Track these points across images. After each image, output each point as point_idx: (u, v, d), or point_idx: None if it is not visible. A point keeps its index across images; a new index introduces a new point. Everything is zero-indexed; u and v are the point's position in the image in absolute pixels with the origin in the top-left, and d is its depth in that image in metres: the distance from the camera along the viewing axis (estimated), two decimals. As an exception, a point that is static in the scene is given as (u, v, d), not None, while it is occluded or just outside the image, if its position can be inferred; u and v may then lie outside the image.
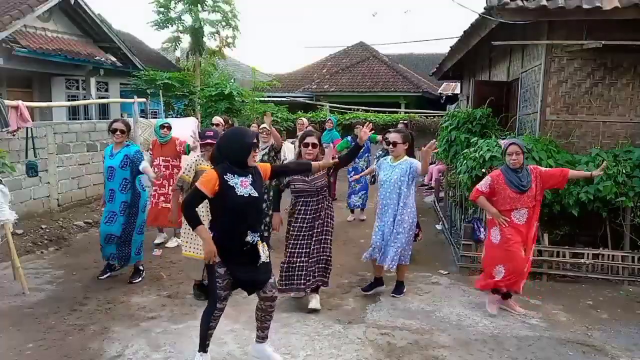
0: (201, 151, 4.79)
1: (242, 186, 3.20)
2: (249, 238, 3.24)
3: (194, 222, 3.15)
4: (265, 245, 3.44)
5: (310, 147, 4.40)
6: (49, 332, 4.05)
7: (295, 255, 4.43)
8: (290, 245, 4.46)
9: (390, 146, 4.68)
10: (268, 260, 3.42)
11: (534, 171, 4.40)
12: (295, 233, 4.46)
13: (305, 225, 4.44)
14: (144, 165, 5.14)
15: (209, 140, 4.55)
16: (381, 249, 4.75)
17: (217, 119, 7.19)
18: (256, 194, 3.26)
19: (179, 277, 5.39)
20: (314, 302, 4.48)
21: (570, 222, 5.64)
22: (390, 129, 6.84)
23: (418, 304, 4.75)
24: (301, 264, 4.42)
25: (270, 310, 3.49)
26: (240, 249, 3.26)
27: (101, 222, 5.26)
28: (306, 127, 8.24)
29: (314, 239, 4.45)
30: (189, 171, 4.62)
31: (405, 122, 13.98)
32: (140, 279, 5.25)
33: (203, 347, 3.42)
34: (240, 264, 3.29)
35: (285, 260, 4.46)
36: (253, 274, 3.34)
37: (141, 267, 5.37)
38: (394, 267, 4.71)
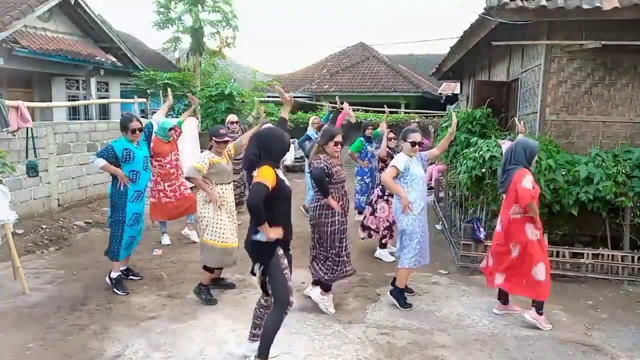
0: (215, 147, 4.89)
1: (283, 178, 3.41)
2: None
3: (263, 218, 3.20)
4: None
5: (340, 145, 4.57)
6: (49, 331, 4.06)
7: (348, 245, 4.60)
8: (345, 237, 4.56)
9: (417, 146, 4.66)
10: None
11: None
12: (343, 226, 4.55)
13: (345, 213, 4.64)
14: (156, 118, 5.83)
15: (227, 138, 4.94)
16: (425, 252, 4.74)
17: (234, 117, 7.64)
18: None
19: (179, 277, 5.40)
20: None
21: (570, 222, 5.64)
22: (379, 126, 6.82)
23: (418, 303, 4.75)
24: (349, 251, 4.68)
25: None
26: (290, 240, 3.49)
27: (126, 225, 4.91)
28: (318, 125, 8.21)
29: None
30: (205, 163, 4.74)
31: (417, 121, 13.99)
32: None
33: (267, 355, 3.35)
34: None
35: (344, 251, 4.53)
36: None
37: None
38: None
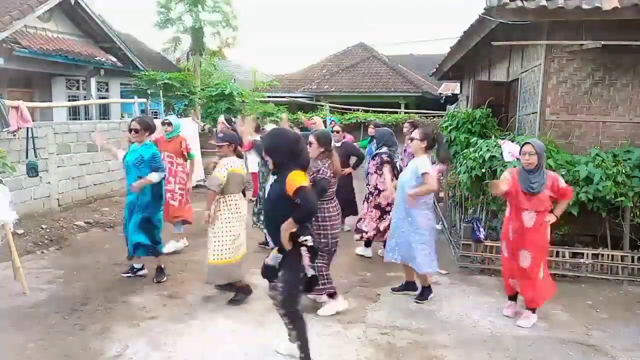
0: (220, 152, 4.75)
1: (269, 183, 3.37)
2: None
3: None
4: (275, 250, 3.34)
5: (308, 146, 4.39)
6: (50, 331, 4.06)
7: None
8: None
9: (410, 141, 4.68)
10: (271, 264, 3.33)
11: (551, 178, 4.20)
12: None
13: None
14: (152, 176, 5.01)
15: (220, 142, 4.70)
16: (394, 249, 4.67)
17: (221, 117, 7.48)
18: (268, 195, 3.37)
19: (179, 277, 5.40)
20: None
21: (570, 222, 5.64)
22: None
23: (418, 303, 4.75)
24: None
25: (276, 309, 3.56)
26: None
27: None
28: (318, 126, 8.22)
29: None
30: (224, 172, 4.52)
31: (412, 121, 13.91)
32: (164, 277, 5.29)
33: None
34: None
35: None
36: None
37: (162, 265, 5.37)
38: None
